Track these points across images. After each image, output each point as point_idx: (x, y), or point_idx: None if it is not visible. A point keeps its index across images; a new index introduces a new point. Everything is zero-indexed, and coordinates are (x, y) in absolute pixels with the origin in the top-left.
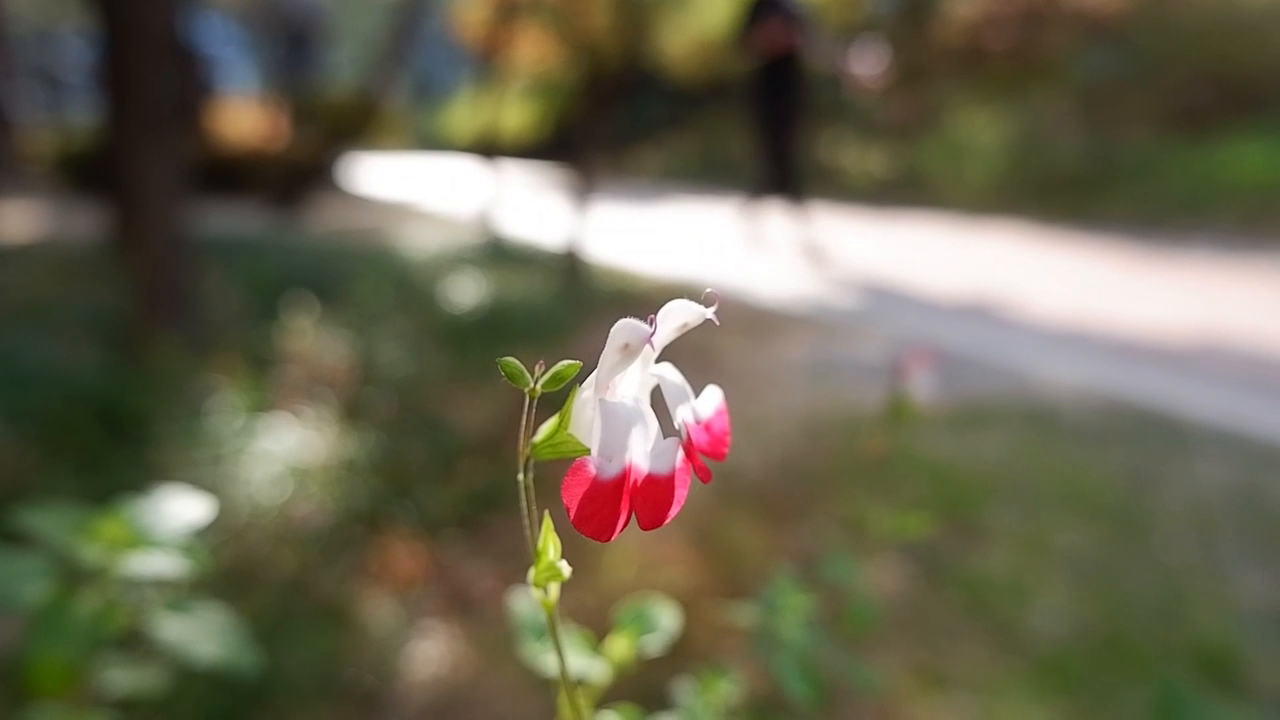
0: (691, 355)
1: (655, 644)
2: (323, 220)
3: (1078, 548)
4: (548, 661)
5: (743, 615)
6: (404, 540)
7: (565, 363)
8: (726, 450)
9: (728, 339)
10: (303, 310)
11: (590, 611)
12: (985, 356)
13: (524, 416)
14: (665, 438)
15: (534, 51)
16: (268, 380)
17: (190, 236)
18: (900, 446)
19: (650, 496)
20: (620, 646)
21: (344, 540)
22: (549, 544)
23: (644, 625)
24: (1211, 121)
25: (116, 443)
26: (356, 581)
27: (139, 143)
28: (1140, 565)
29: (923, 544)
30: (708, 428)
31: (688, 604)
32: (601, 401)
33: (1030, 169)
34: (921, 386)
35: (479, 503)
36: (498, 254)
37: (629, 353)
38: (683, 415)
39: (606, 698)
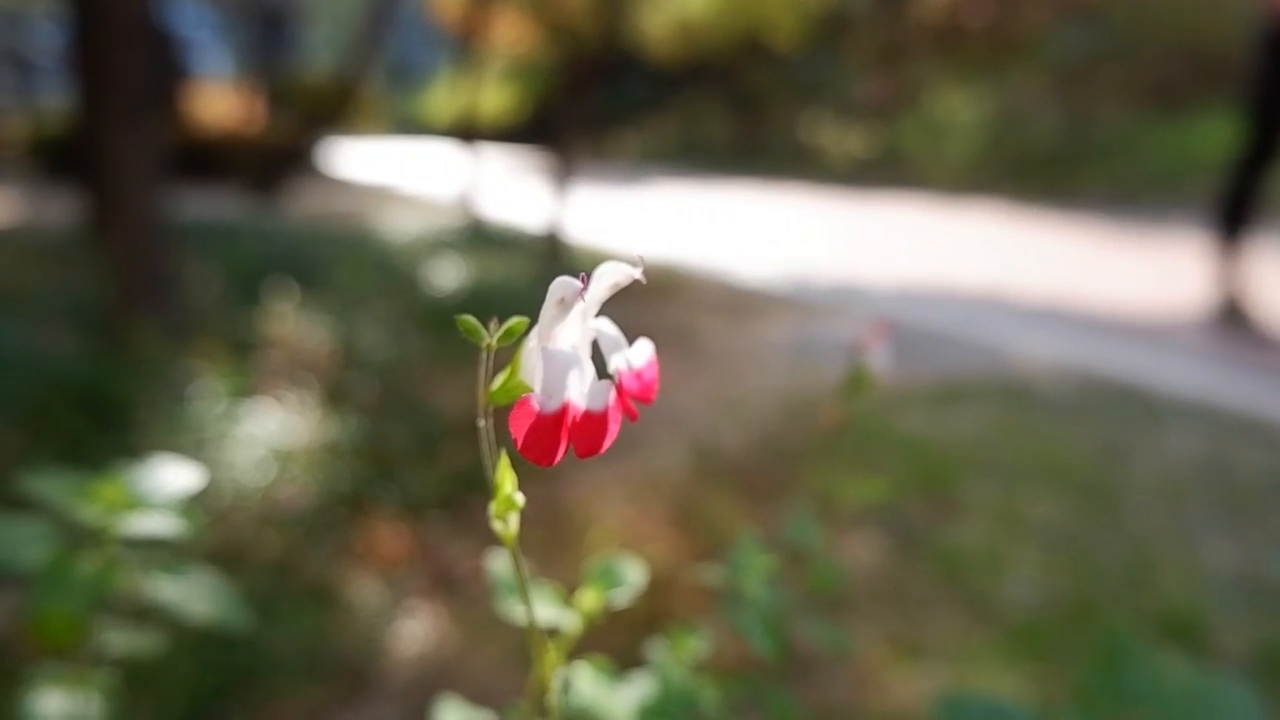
0: (673, 335)
1: (623, 597)
2: (301, 204)
3: (1051, 519)
4: (519, 612)
5: (710, 575)
6: (388, 521)
7: (515, 319)
8: (654, 395)
9: (709, 319)
10: (283, 295)
11: (572, 586)
12: (963, 334)
13: (481, 369)
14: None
15: (512, 33)
16: (249, 365)
17: (168, 222)
18: (877, 422)
19: (586, 430)
20: (589, 598)
21: (328, 522)
22: (506, 478)
23: (612, 579)
24: (1185, 98)
25: (98, 429)
26: (342, 562)
27: (113, 129)
28: (1111, 535)
29: (899, 517)
30: (639, 375)
31: (667, 579)
32: (543, 348)
33: (1007, 147)
34: (879, 359)
35: (462, 483)
36: (478, 237)
37: (565, 306)
38: (617, 363)
39: (585, 658)
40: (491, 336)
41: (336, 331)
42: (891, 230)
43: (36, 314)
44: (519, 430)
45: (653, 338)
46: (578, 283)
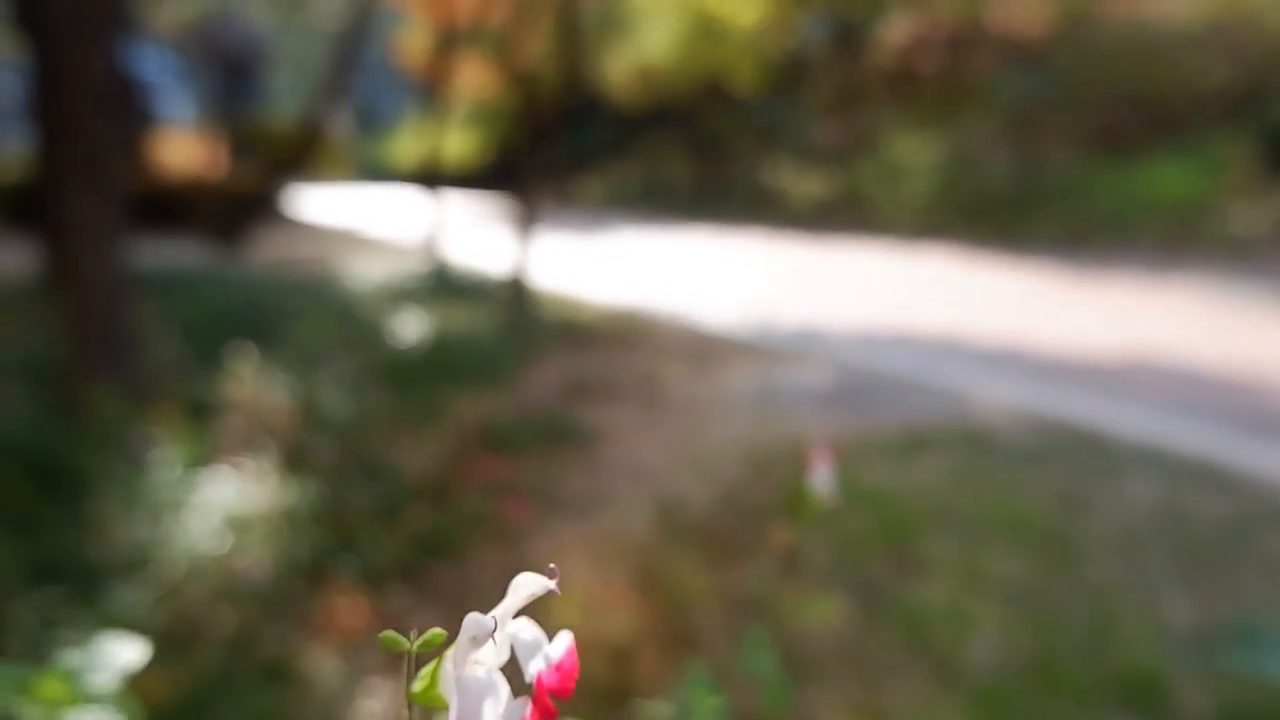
0: (637, 385)
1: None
2: (265, 251)
3: (1012, 575)
4: None
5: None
6: (347, 592)
7: (434, 630)
8: (573, 686)
9: (673, 367)
10: (242, 353)
11: None
12: (923, 379)
13: (404, 673)
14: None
15: (476, 79)
16: (207, 429)
17: (127, 279)
18: (841, 474)
19: None
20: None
21: (286, 593)
22: None
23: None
24: (1132, 143)
25: (52, 500)
26: (299, 636)
27: (73, 187)
28: (1072, 591)
29: (862, 575)
30: (558, 668)
31: (630, 651)
32: (457, 678)
33: (961, 190)
34: (823, 480)
35: (423, 549)
36: (442, 284)
37: (477, 643)
38: (534, 668)
39: None
40: (413, 644)
41: (296, 390)
42: (851, 273)
43: None
44: None
45: (617, 389)
46: (488, 621)
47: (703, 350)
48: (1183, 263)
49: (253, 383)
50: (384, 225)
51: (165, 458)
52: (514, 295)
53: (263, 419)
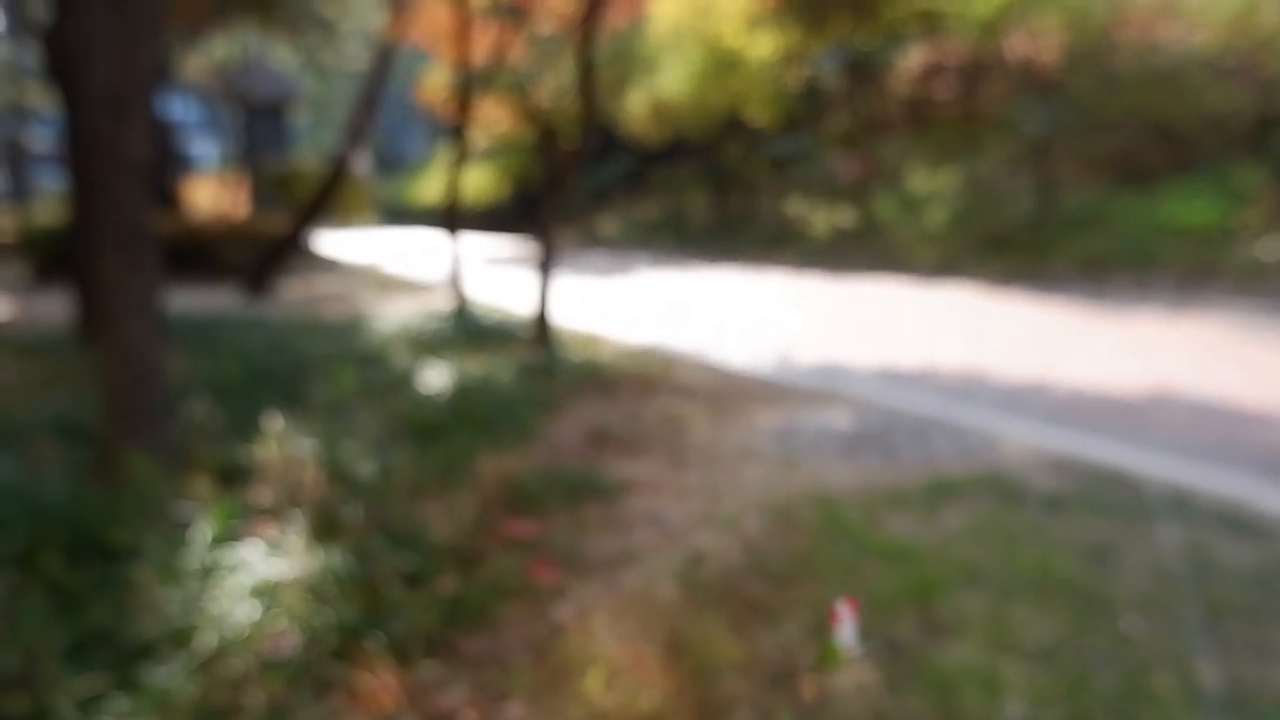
0: (661, 430)
1: None
2: (291, 291)
3: (1043, 635)
4: None
5: None
6: (377, 665)
7: None
8: None
9: (695, 410)
10: (269, 411)
11: None
12: (948, 419)
13: None
14: None
15: (496, 117)
16: (236, 496)
17: (162, 348)
18: (866, 527)
19: None
20: None
21: (316, 667)
22: None
23: None
24: (1151, 171)
25: (87, 573)
26: (329, 712)
27: (111, 258)
28: (1104, 651)
29: (890, 637)
30: None
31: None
32: None
33: (980, 221)
34: (846, 635)
35: (453, 619)
36: (463, 326)
37: None
38: None
39: None
40: None
41: (323, 448)
42: (870, 308)
43: (25, 434)
44: None
45: (640, 436)
46: None
47: (724, 391)
48: (1205, 292)
49: (280, 446)
50: (406, 263)
51: (198, 526)
52: (536, 337)
53: (290, 480)
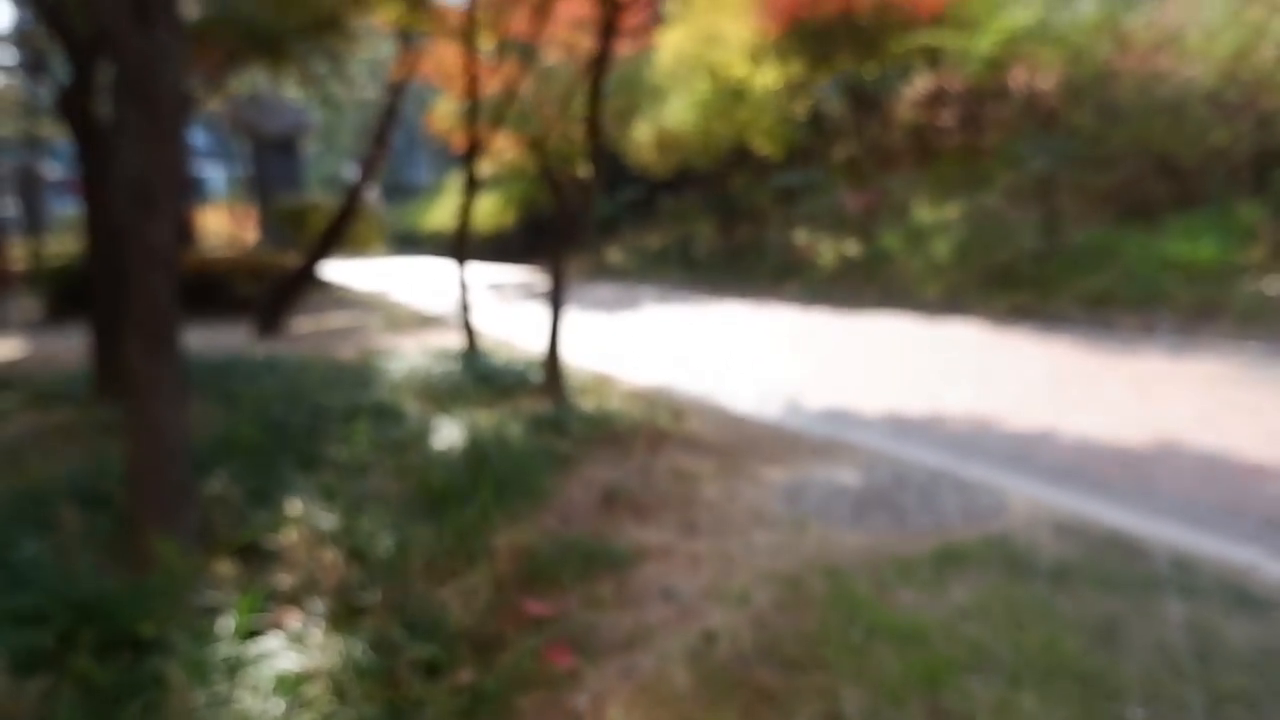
0: (670, 488)
1: None
2: (304, 326)
3: None
4: None
5: None
6: None
7: None
8: None
9: (704, 464)
10: (286, 476)
11: None
12: (954, 473)
13: None
14: None
15: (503, 147)
16: (259, 584)
17: (187, 432)
18: (873, 603)
19: None
20: None
21: None
22: None
23: None
24: (1155, 206)
25: (116, 667)
26: None
27: (138, 347)
28: None
29: None
30: None
31: None
32: None
33: (986, 255)
34: None
35: (473, 714)
36: (472, 369)
37: None
38: None
39: None
40: None
41: (341, 523)
42: (876, 346)
43: (46, 499)
44: None
45: (651, 497)
46: None
47: (734, 441)
48: (1210, 330)
49: (300, 529)
50: (414, 292)
51: (224, 617)
52: (547, 382)
53: (310, 569)
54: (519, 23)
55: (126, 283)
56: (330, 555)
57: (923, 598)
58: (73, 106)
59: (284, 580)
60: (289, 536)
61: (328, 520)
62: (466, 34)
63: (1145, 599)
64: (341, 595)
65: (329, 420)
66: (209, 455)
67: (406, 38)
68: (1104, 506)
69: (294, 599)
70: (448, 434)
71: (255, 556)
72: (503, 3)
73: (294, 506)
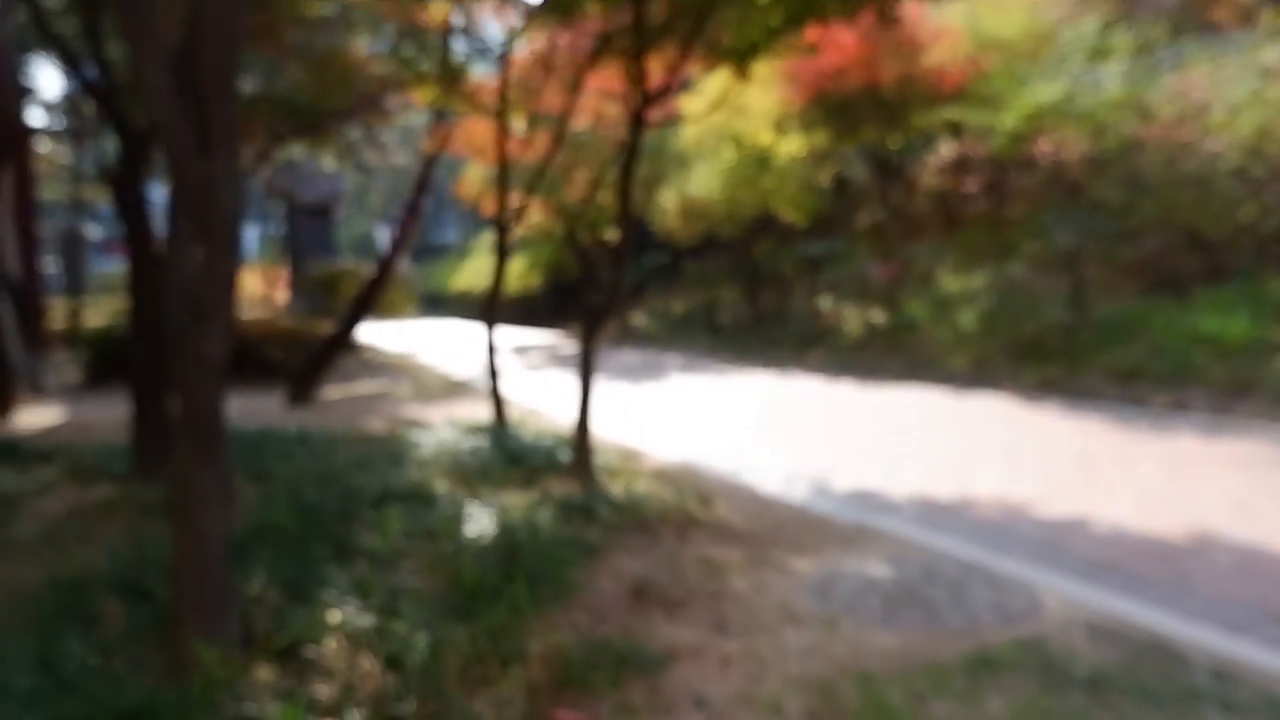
0: (701, 582)
1: None
2: (334, 393)
3: None
4: None
5: None
6: None
7: None
8: None
9: (733, 554)
10: (320, 577)
11: None
12: (985, 566)
13: None
14: None
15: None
16: (297, 693)
17: (230, 536)
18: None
19: None
20: None
21: None
22: None
23: None
24: (1184, 280)
25: None
26: None
27: (187, 452)
28: None
29: None
30: None
31: None
32: None
33: (1014, 327)
34: None
35: None
36: (502, 445)
37: None
38: None
39: None
40: None
41: (374, 621)
42: (906, 419)
43: (87, 589)
44: None
45: (681, 591)
46: None
47: (762, 528)
48: (1242, 409)
49: (335, 634)
50: (441, 355)
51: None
52: (576, 463)
53: (348, 678)
54: (550, 99)
55: (165, 358)
56: (367, 663)
57: (958, 710)
58: (123, 187)
59: (322, 690)
60: (327, 645)
61: (364, 619)
62: (499, 112)
63: (1185, 714)
64: (379, 705)
65: (361, 503)
66: (246, 543)
67: (439, 113)
68: (1140, 607)
69: (333, 710)
70: (478, 523)
71: (294, 660)
72: (533, 80)
73: (332, 615)
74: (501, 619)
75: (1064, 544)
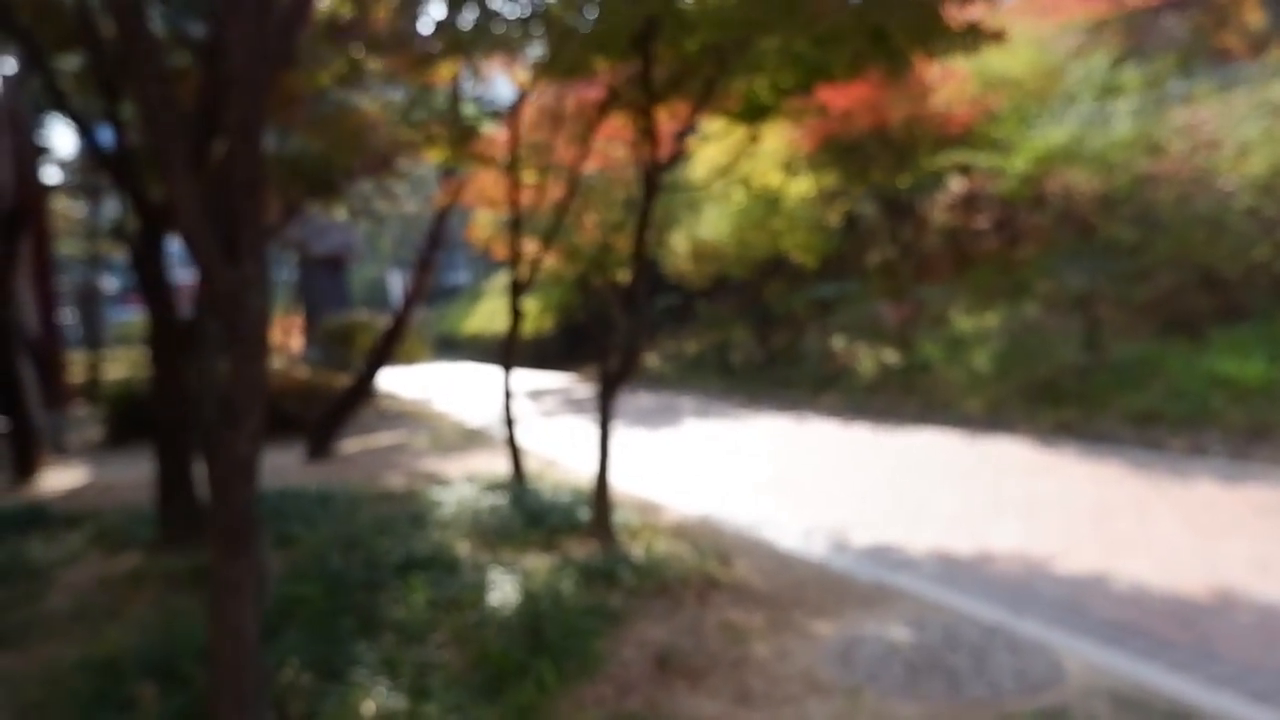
0: (725, 645)
1: None
2: (353, 445)
3: None
4: None
5: None
6: None
7: None
8: None
9: (753, 618)
10: (348, 654)
11: None
12: (1006, 629)
13: None
14: None
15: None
16: None
17: (260, 622)
18: None
19: None
20: None
21: None
22: None
23: None
24: (1202, 322)
25: None
26: None
27: (219, 549)
28: None
29: None
30: None
31: None
32: None
33: (1028, 368)
34: None
35: None
36: (522, 503)
37: None
38: None
39: None
40: None
41: (404, 704)
42: (922, 465)
43: (120, 672)
44: None
45: (703, 659)
46: None
47: (781, 585)
48: (1261, 453)
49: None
50: (457, 401)
51: None
52: (595, 523)
53: None
54: (560, 153)
55: (187, 426)
56: None
57: None
58: (142, 257)
59: None
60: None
61: (395, 700)
62: (509, 165)
63: None
64: None
65: (385, 571)
66: (276, 622)
67: (450, 169)
68: (1163, 674)
69: None
70: (501, 591)
71: None
72: (543, 134)
73: (364, 700)
74: (529, 697)
75: (1084, 603)
